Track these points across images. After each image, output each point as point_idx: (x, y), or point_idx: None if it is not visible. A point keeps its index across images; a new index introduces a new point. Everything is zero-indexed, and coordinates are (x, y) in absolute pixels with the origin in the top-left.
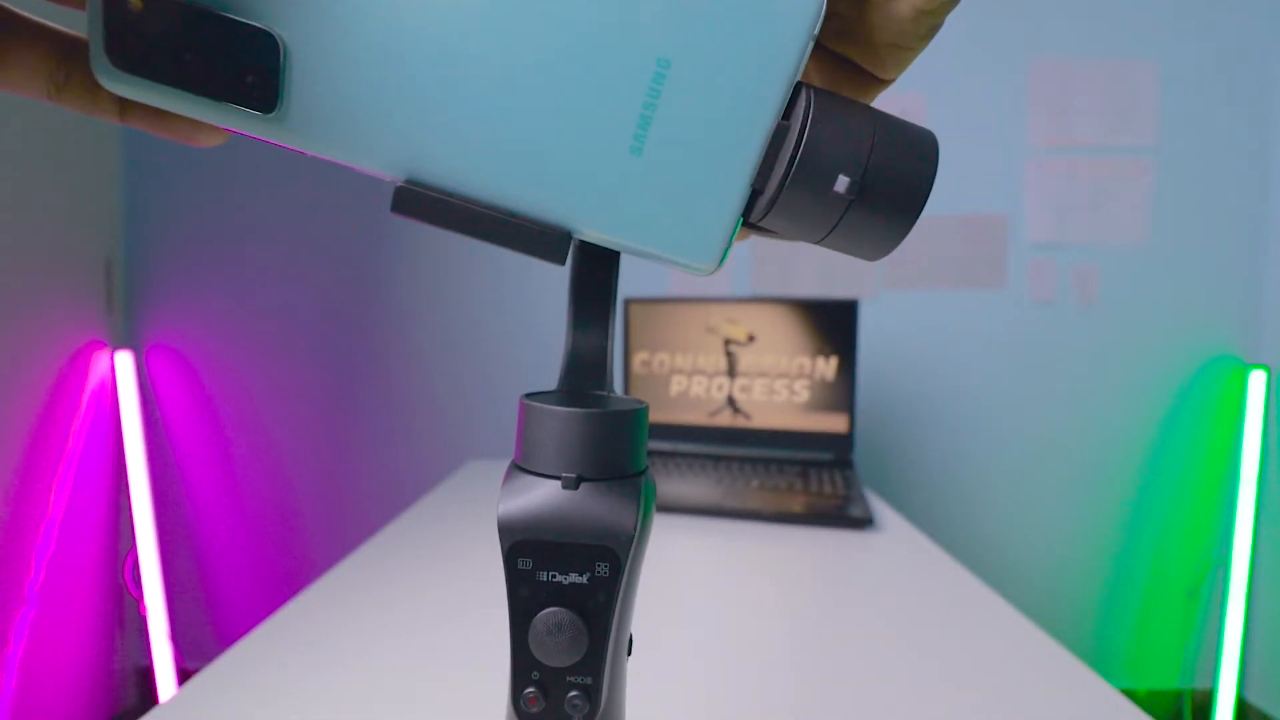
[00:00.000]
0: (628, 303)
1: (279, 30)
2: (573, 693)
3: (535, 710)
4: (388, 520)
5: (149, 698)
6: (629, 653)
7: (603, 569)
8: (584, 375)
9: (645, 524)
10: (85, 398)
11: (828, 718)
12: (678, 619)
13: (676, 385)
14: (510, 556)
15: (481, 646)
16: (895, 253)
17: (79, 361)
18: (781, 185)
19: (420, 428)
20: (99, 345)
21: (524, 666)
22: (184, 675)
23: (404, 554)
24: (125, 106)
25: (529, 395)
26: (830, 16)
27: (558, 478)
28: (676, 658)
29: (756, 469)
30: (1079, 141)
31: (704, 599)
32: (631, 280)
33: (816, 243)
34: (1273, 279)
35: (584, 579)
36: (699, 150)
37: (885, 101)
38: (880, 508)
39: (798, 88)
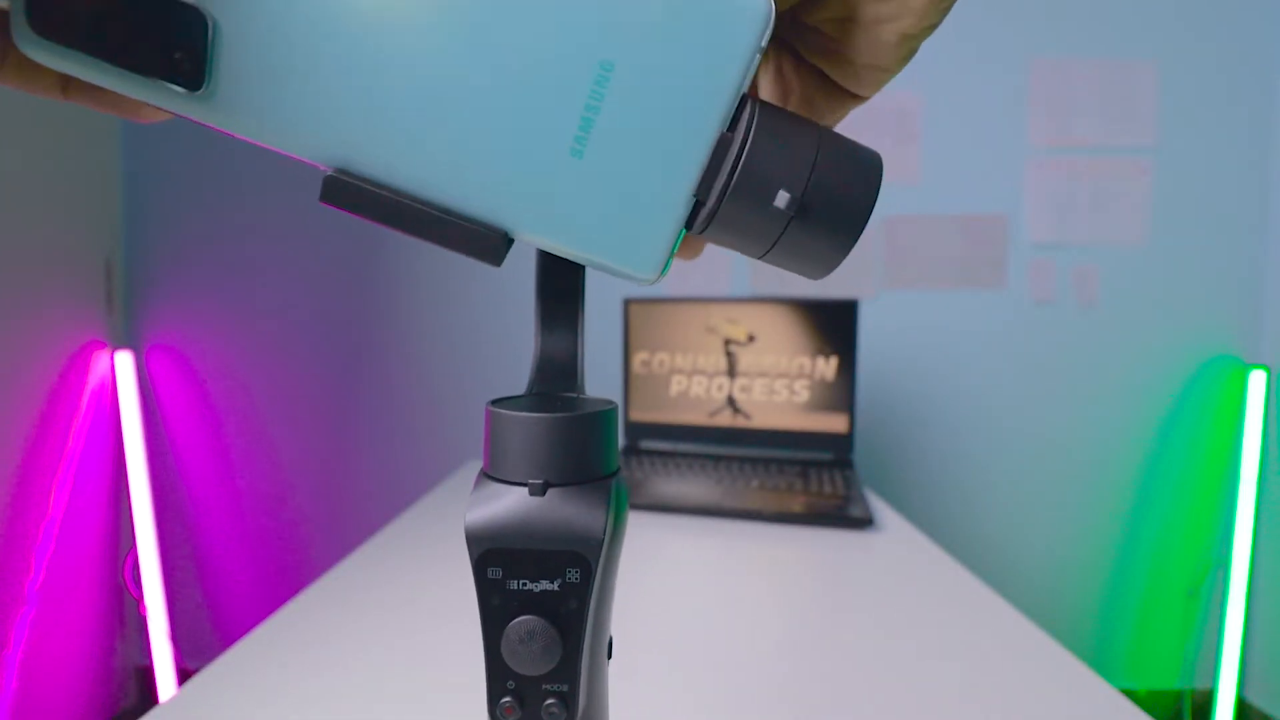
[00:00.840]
0: (628, 303)
1: (209, 7)
2: (549, 700)
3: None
4: (388, 520)
5: (149, 698)
6: (609, 656)
7: (573, 575)
8: (554, 378)
9: (617, 528)
10: (85, 398)
11: (828, 718)
12: (677, 619)
13: (676, 385)
14: (480, 566)
15: (481, 647)
16: (895, 253)
17: (79, 361)
18: (722, 197)
19: (420, 428)
20: (99, 345)
21: (499, 676)
22: (184, 675)
23: (404, 554)
24: (67, 83)
25: (494, 401)
26: (813, 32)
27: (524, 484)
28: (676, 658)
29: (756, 469)
30: (1079, 141)
31: (704, 599)
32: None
33: (759, 258)
34: (1273, 279)
35: (555, 586)
36: (641, 157)
37: (883, 101)
38: (880, 508)
39: (744, 100)
